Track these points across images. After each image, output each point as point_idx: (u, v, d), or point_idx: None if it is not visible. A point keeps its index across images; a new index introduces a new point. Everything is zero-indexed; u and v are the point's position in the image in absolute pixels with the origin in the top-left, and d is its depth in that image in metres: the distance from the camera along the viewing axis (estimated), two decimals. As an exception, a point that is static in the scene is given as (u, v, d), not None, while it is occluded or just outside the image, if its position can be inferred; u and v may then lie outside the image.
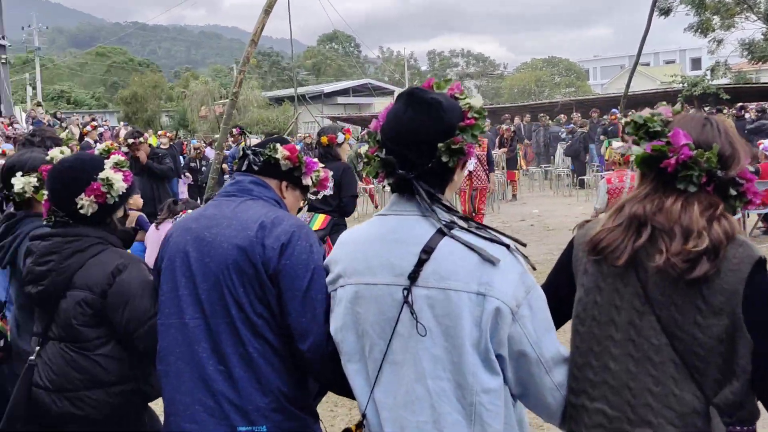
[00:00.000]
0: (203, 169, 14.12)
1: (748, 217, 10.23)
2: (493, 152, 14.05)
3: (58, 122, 21.34)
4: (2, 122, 18.50)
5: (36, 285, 2.51)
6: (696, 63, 57.49)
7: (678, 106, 1.79)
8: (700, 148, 1.67)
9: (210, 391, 1.96)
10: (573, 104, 28.56)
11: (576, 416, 1.77)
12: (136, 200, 6.90)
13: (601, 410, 1.72)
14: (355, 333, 1.78)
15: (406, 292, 1.68)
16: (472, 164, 10.71)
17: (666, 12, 25.50)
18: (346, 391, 1.92)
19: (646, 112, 1.73)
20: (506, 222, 12.85)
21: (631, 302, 1.70)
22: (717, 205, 1.66)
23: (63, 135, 9.08)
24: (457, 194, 11.26)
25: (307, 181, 2.31)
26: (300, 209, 6.01)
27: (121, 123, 29.53)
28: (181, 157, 14.23)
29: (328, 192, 5.70)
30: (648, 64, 57.53)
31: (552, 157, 21.14)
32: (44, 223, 2.64)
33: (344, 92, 48.69)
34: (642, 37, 21.21)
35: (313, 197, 5.76)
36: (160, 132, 12.80)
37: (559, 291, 1.89)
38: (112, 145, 5.84)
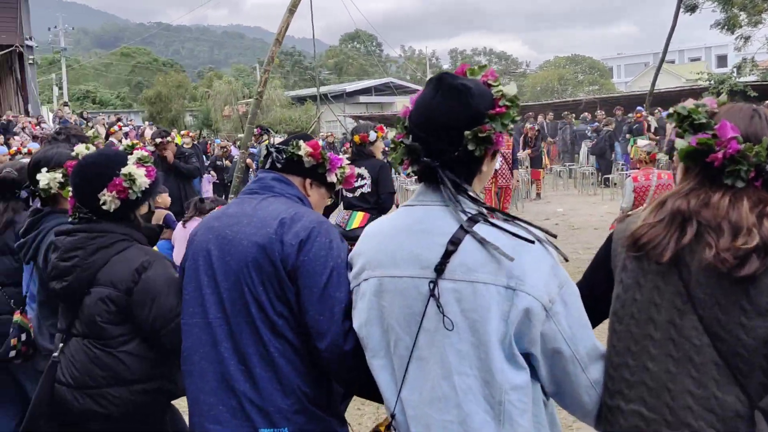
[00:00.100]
0: (229, 167, 14.23)
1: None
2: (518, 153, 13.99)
3: (85, 122, 21.54)
4: (30, 122, 18.70)
5: (60, 281, 2.50)
6: (722, 60, 56.61)
7: (724, 97, 1.71)
8: (748, 141, 1.59)
9: (232, 391, 1.93)
10: (597, 102, 28.36)
11: (611, 418, 1.70)
12: (165, 199, 6.97)
13: (638, 412, 1.65)
14: (381, 328, 1.73)
15: (432, 285, 1.61)
16: (498, 163, 10.65)
17: (692, 9, 25.10)
18: (365, 392, 1.88)
19: (689, 103, 1.65)
20: (530, 221, 12.71)
21: (672, 301, 1.63)
22: (767, 201, 1.59)
23: (90, 134, 9.15)
24: (481, 192, 11.28)
25: (331, 178, 2.25)
26: (336, 206, 6.02)
27: (146, 122, 29.81)
28: (204, 156, 14.36)
29: (366, 189, 5.75)
30: (673, 62, 56.77)
31: (576, 156, 21.00)
32: (69, 219, 2.63)
33: (366, 91, 48.67)
34: (668, 35, 21.00)
35: (349, 195, 5.79)
36: (183, 132, 12.88)
37: (596, 289, 1.83)
38: (137, 143, 5.86)
